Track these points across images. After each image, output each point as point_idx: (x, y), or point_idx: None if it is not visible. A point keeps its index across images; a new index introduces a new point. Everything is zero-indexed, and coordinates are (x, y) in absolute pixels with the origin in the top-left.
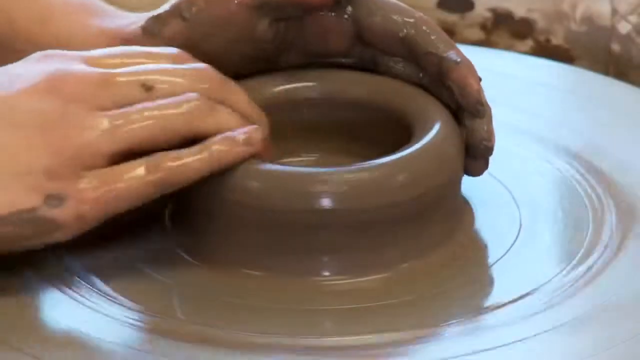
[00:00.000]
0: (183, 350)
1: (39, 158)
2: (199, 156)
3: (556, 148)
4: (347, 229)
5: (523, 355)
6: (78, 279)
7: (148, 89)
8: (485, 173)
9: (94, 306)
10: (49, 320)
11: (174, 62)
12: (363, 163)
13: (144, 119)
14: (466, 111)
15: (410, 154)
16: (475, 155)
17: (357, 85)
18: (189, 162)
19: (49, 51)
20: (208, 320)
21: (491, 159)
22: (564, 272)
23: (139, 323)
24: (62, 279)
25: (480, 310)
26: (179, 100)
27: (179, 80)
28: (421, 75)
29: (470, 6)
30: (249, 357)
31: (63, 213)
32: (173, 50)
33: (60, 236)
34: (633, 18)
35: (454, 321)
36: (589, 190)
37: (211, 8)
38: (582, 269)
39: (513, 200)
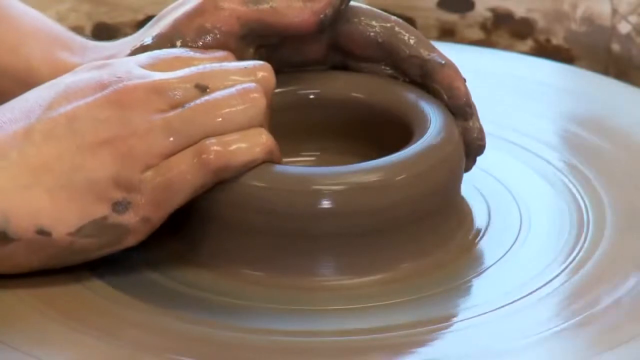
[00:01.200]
0: (184, 349)
1: (106, 168)
2: (250, 143)
3: (556, 148)
4: (348, 229)
5: (523, 356)
6: (79, 279)
7: (203, 89)
8: (485, 173)
9: (94, 305)
10: (48, 320)
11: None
12: (364, 163)
13: (203, 116)
14: (455, 113)
15: (411, 154)
16: (468, 153)
17: (357, 86)
18: (239, 147)
19: (99, 62)
20: (208, 320)
21: (492, 159)
22: (564, 273)
23: (139, 323)
24: (63, 279)
25: (481, 310)
26: (238, 95)
27: (233, 78)
28: (400, 78)
29: (470, 6)
30: (249, 357)
31: (130, 217)
32: (221, 52)
33: (131, 241)
34: (633, 18)
35: (454, 321)
36: (589, 190)
37: (200, 39)
38: (581, 269)
39: (513, 200)
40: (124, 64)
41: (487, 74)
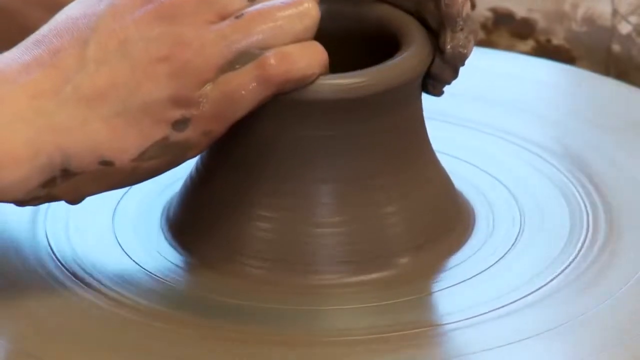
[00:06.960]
0: (183, 349)
1: (162, 88)
2: (309, 56)
3: (556, 148)
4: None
5: (523, 355)
6: (80, 278)
7: (252, 1)
8: (485, 173)
9: (95, 305)
10: (49, 320)
11: None
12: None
13: (259, 24)
14: (445, 22)
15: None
16: (447, 60)
17: (350, 7)
18: (300, 60)
19: None
20: (208, 320)
21: (492, 159)
22: (564, 273)
23: (139, 323)
24: (64, 279)
25: (480, 310)
26: (293, 3)
27: None
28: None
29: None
30: (249, 356)
31: (191, 133)
32: None
33: (194, 153)
34: (634, 18)
35: (454, 321)
36: (588, 190)
37: None
38: (580, 270)
39: (513, 200)
40: None
41: (487, 74)
